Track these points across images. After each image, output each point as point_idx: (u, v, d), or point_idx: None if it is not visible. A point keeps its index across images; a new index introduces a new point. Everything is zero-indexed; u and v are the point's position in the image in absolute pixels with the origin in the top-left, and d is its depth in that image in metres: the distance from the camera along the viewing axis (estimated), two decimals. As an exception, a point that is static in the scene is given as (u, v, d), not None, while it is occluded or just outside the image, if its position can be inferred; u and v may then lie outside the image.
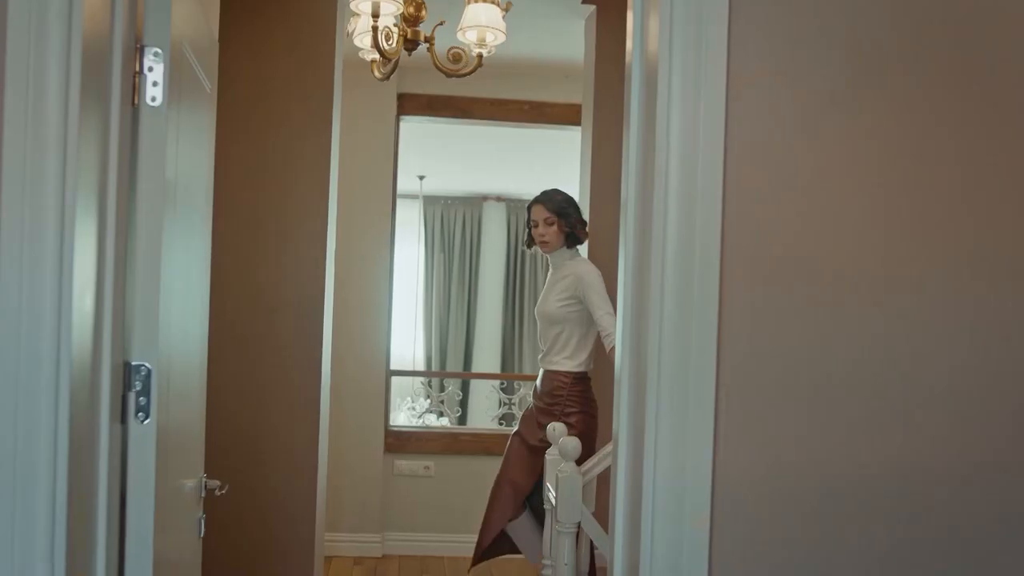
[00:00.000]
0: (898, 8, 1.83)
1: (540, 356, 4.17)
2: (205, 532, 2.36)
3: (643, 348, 1.80)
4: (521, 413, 4.40)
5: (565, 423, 3.81)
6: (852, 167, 1.82)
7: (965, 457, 1.84)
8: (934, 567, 1.83)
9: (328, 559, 5.15)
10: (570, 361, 3.98)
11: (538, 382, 4.17)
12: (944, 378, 1.84)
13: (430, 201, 9.63)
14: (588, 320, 3.97)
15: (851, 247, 1.82)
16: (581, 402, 4.00)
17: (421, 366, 9.72)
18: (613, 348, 3.46)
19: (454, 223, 9.88)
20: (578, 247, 4.15)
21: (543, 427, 3.90)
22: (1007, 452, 1.84)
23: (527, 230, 4.14)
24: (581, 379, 4.02)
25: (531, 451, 4.07)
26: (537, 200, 4.04)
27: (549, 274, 4.15)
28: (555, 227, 3.98)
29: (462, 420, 9.24)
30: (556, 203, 3.98)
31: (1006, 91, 1.85)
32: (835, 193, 1.82)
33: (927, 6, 1.83)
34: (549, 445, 3.74)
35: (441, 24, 3.35)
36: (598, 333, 3.95)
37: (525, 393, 7.81)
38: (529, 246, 4.19)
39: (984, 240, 1.85)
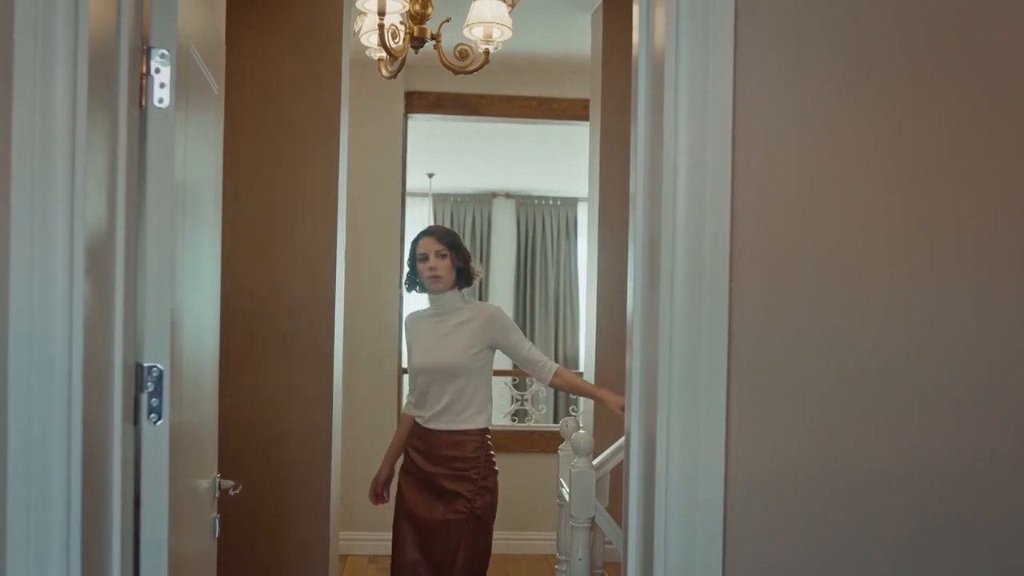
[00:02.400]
0: (903, 1, 1.82)
1: (428, 415, 3.42)
2: (220, 532, 2.36)
3: (654, 343, 1.80)
4: (399, 485, 3.53)
5: (483, 487, 3.39)
6: (859, 159, 1.81)
7: (976, 448, 1.83)
8: (946, 557, 1.82)
9: (343, 557, 5.16)
10: (480, 416, 3.40)
11: (431, 445, 3.42)
12: (954, 370, 1.83)
13: (440, 199, 9.63)
14: (490, 368, 3.52)
15: (860, 239, 1.81)
16: (492, 460, 3.45)
17: (433, 363, 9.72)
18: (557, 372, 3.43)
19: (464, 220, 9.89)
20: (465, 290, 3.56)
21: (455, 496, 3.36)
22: (1017, 443, 1.83)
23: (409, 268, 3.53)
24: (487, 433, 3.46)
25: (436, 527, 3.38)
26: (426, 232, 3.50)
27: (428, 320, 3.49)
28: (448, 261, 3.42)
29: (475, 417, 9.22)
30: (449, 235, 3.48)
31: (1007, 85, 1.83)
32: (843, 185, 1.81)
33: (934, -5, 1.82)
34: (465, 514, 3.36)
35: (447, 21, 3.35)
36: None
37: (537, 389, 7.81)
38: (410, 287, 3.56)
39: (990, 233, 1.83)
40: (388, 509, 3.62)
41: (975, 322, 1.83)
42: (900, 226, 1.82)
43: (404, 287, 3.60)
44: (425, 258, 3.41)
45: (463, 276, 3.46)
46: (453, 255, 3.41)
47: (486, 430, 3.42)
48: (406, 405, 3.57)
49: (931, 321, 1.82)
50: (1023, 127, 1.83)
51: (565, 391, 3.54)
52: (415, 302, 3.98)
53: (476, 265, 3.52)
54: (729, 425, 1.76)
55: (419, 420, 3.43)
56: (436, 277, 3.40)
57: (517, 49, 4.19)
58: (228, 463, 2.53)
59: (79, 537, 1.55)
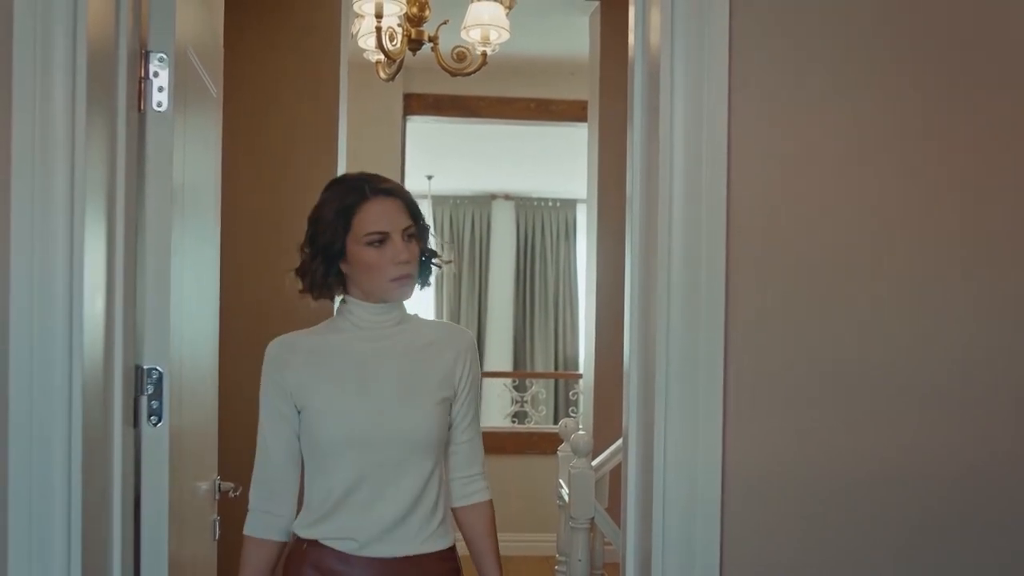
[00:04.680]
0: (897, 3, 1.82)
1: (370, 533, 1.82)
2: (220, 534, 2.37)
3: (651, 343, 1.80)
4: None
5: None
6: (855, 159, 1.82)
7: (974, 448, 1.83)
8: (945, 556, 1.83)
9: (343, 559, 5.15)
10: (445, 525, 1.90)
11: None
12: (953, 369, 1.83)
13: (439, 201, 9.64)
14: None
15: (857, 239, 1.82)
16: None
17: (433, 366, 9.70)
18: (490, 505, 1.96)
19: (463, 222, 9.89)
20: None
21: None
22: (1015, 443, 1.84)
23: (320, 256, 1.87)
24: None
25: None
26: (380, 190, 1.85)
27: (346, 347, 1.89)
28: (415, 246, 1.87)
29: (475, 419, 9.22)
30: (415, 203, 1.90)
31: (1003, 85, 1.84)
32: (839, 186, 1.82)
33: (929, -5, 1.83)
34: None
35: (445, 23, 3.36)
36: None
37: (537, 391, 7.81)
38: (321, 292, 1.93)
39: (988, 233, 1.84)
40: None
41: (974, 322, 1.83)
42: (897, 226, 1.83)
43: (304, 288, 1.93)
44: (383, 240, 1.80)
45: (424, 272, 1.95)
46: (420, 235, 1.89)
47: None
48: (268, 519, 1.86)
49: (930, 321, 1.83)
50: (1019, 127, 1.84)
51: (463, 532, 1.96)
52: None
53: (442, 250, 2.01)
54: (726, 425, 1.77)
55: (338, 546, 1.82)
56: (407, 277, 1.84)
57: (515, 51, 4.20)
58: (228, 465, 2.53)
59: (80, 539, 1.55)
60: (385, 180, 1.89)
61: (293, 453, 1.87)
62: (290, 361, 1.86)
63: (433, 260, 1.95)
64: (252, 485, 1.89)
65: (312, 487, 1.86)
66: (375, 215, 1.82)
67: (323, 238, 1.84)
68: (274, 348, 1.90)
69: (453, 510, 1.95)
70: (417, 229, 1.88)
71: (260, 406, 1.87)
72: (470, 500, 1.95)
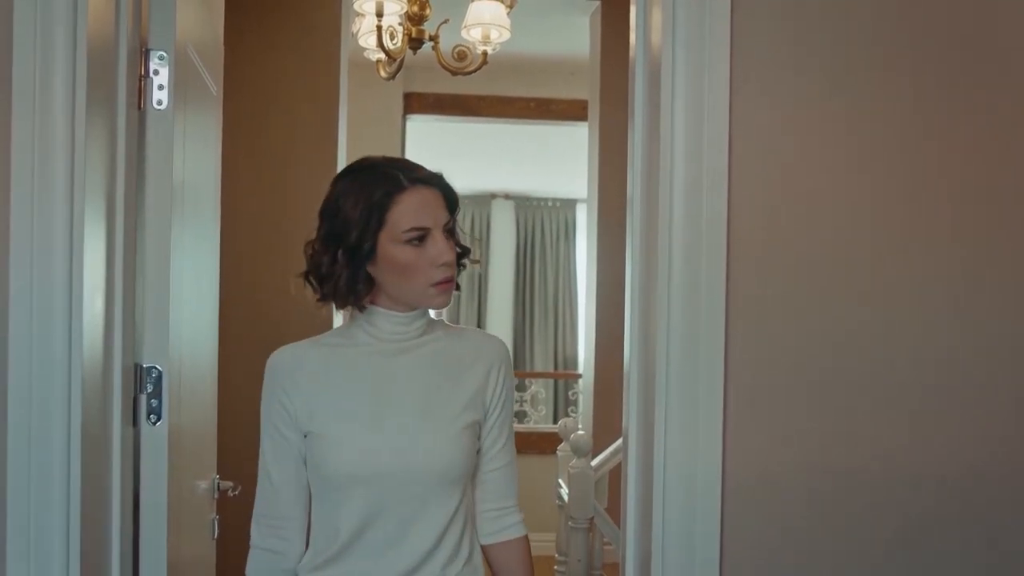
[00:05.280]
0: (896, 3, 1.82)
1: None
2: (219, 533, 2.37)
3: (651, 343, 1.80)
4: None
5: None
6: (856, 159, 1.82)
7: (973, 448, 1.83)
8: (944, 556, 1.83)
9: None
10: (472, 565, 1.66)
11: None
12: (954, 370, 1.83)
13: (438, 200, 9.62)
14: None
15: (858, 239, 1.82)
16: None
17: (432, 365, 9.70)
18: (527, 539, 1.74)
19: (463, 221, 9.87)
20: None
21: None
22: (1012, 442, 1.84)
23: (349, 255, 1.58)
24: None
25: None
26: (418, 179, 1.59)
27: (357, 361, 1.63)
28: (452, 244, 1.63)
29: (474, 418, 9.21)
30: (455, 194, 1.65)
31: (1002, 86, 1.84)
32: (840, 185, 1.81)
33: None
34: None
35: (445, 22, 3.35)
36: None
37: (536, 390, 7.80)
38: (347, 298, 1.62)
39: (987, 233, 1.84)
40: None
41: (974, 321, 1.83)
42: (897, 225, 1.83)
43: (323, 297, 1.65)
44: (423, 237, 1.56)
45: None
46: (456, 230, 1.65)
47: None
48: (273, 559, 1.63)
49: (930, 320, 1.83)
50: (1018, 126, 1.84)
51: (494, 573, 1.73)
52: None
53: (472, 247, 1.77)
54: (727, 425, 1.77)
55: None
56: (450, 282, 1.60)
57: (515, 50, 4.19)
58: (227, 464, 2.53)
59: (79, 538, 1.55)
60: (419, 166, 1.62)
61: (301, 482, 1.60)
62: (295, 377, 1.60)
63: (464, 260, 1.66)
64: (254, 519, 1.63)
65: (318, 524, 1.61)
66: (415, 208, 1.55)
67: (349, 236, 1.55)
68: (276, 362, 1.63)
69: (483, 547, 1.69)
70: (453, 222, 1.63)
71: (261, 427, 1.62)
72: (503, 536, 1.69)
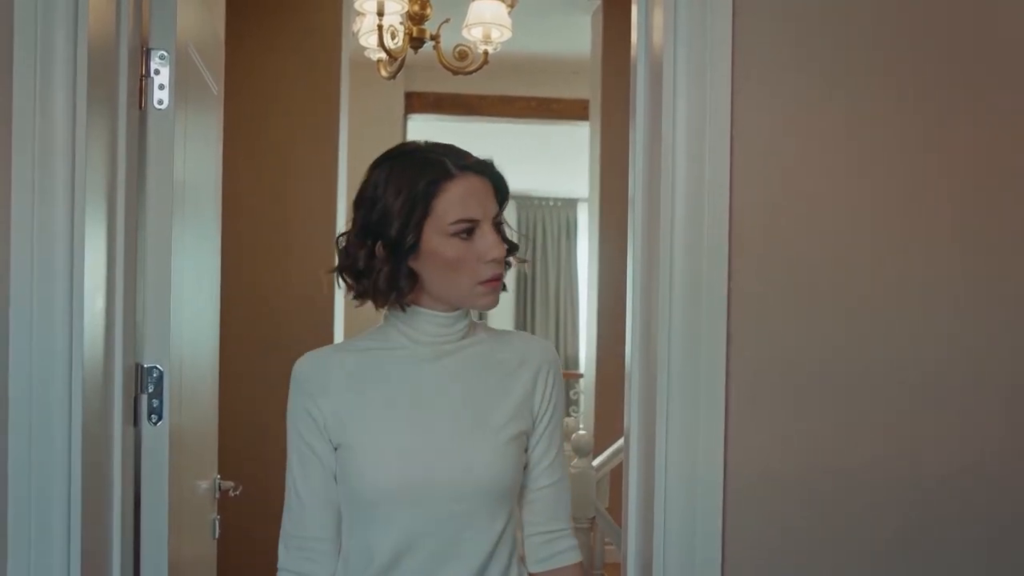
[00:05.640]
0: (898, 4, 1.82)
1: None
2: (220, 533, 2.36)
3: (653, 343, 1.80)
4: None
5: None
6: (858, 158, 1.82)
7: (973, 448, 1.83)
8: (941, 554, 1.83)
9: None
10: None
11: None
12: (954, 370, 1.83)
13: (439, 199, 9.63)
14: None
15: (859, 240, 1.82)
16: None
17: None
18: (570, 570, 1.54)
19: (464, 221, 9.88)
20: None
21: None
22: (1012, 441, 1.84)
23: (390, 252, 1.43)
24: None
25: None
26: (474, 166, 1.45)
27: (392, 367, 1.49)
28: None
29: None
30: (505, 184, 1.52)
31: (1002, 87, 1.84)
32: (841, 186, 1.81)
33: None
34: None
35: (446, 22, 3.35)
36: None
37: (538, 390, 7.78)
38: (386, 294, 1.45)
39: (987, 234, 1.84)
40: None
41: (973, 321, 1.83)
42: (898, 226, 1.82)
43: (358, 294, 1.50)
44: (471, 230, 1.43)
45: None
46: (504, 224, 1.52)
47: None
48: None
49: (931, 321, 1.82)
50: (1018, 128, 1.84)
51: None
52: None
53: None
54: (728, 425, 1.76)
55: None
56: (499, 280, 1.47)
57: (516, 50, 4.19)
58: (228, 464, 2.53)
59: (79, 537, 1.55)
60: (466, 153, 1.47)
61: (332, 499, 1.47)
62: (325, 384, 1.46)
63: (511, 258, 1.49)
64: (281, 539, 1.50)
65: (350, 547, 1.46)
66: (463, 198, 1.41)
67: (390, 228, 1.40)
68: (304, 367, 1.49)
69: (541, 571, 1.53)
70: (501, 217, 1.48)
71: (287, 440, 1.50)
72: (555, 563, 1.52)
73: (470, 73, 3.40)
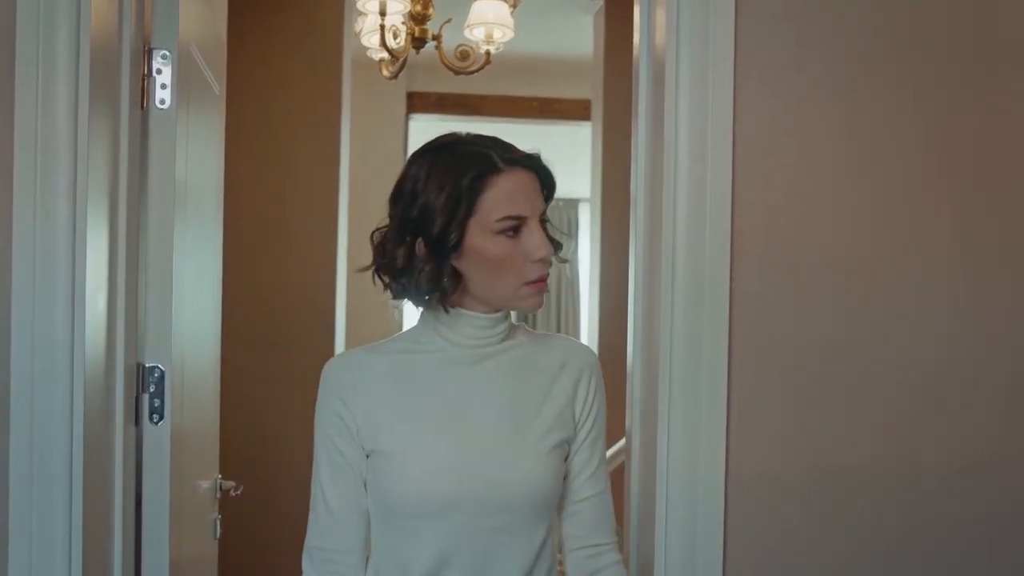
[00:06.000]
0: (900, 4, 1.82)
1: None
2: (221, 533, 2.36)
3: (654, 344, 1.80)
4: None
5: None
6: (859, 158, 1.81)
7: (973, 449, 1.83)
8: (941, 554, 1.82)
9: (344, 558, 5.15)
10: None
11: None
12: (955, 370, 1.83)
13: (441, 199, 9.64)
14: None
15: (860, 238, 1.81)
16: None
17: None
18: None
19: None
20: None
21: None
22: (1011, 441, 1.84)
23: (431, 249, 1.36)
24: None
25: None
26: (522, 160, 1.39)
27: (433, 372, 1.42)
28: None
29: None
30: (553, 179, 1.46)
31: (1004, 88, 1.84)
32: (844, 186, 1.81)
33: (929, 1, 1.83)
34: None
35: (448, 22, 3.35)
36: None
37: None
38: (427, 295, 1.38)
39: (987, 235, 1.84)
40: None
41: (974, 321, 1.83)
42: (899, 226, 1.82)
43: (396, 294, 1.42)
44: (518, 227, 1.36)
45: None
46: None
47: None
48: None
49: (933, 321, 1.82)
50: (1018, 129, 1.84)
51: None
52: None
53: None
54: (730, 425, 1.76)
55: None
56: (544, 281, 1.40)
57: (518, 50, 4.19)
58: (229, 464, 2.53)
59: (81, 537, 1.55)
60: (512, 145, 1.39)
61: (361, 508, 1.39)
62: (357, 387, 1.39)
63: (554, 257, 1.40)
64: (305, 550, 1.42)
65: (382, 560, 1.39)
66: (511, 193, 1.33)
67: (432, 225, 1.33)
68: (335, 369, 1.43)
69: None
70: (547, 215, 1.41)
71: (315, 445, 1.42)
72: (609, 564, 1.47)
73: (472, 73, 3.40)
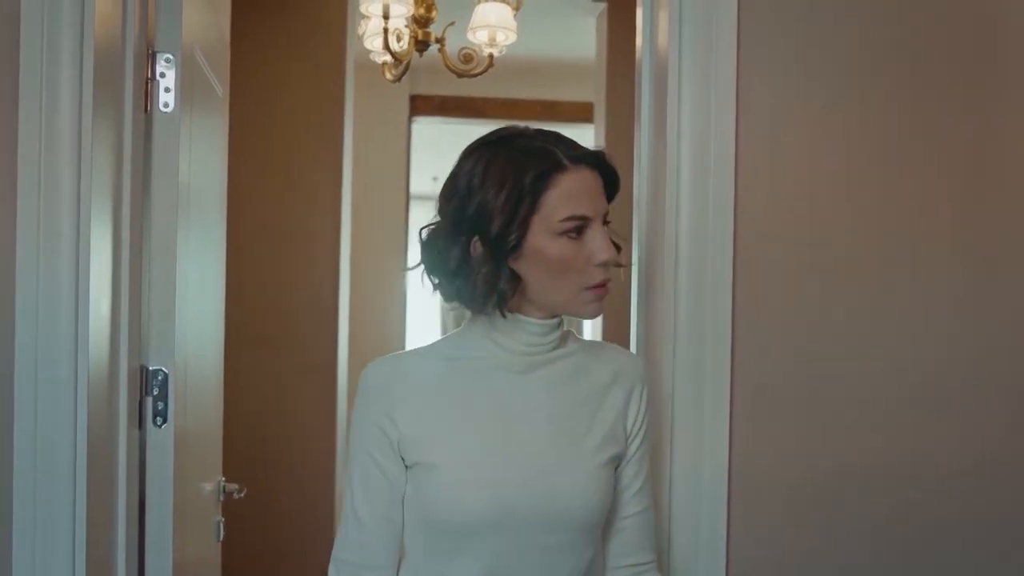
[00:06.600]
0: (904, 3, 1.82)
1: None
2: (224, 535, 2.36)
3: (657, 345, 1.80)
4: None
5: None
6: (865, 159, 1.81)
7: (974, 450, 1.83)
8: (942, 554, 1.82)
9: (347, 561, 5.15)
10: None
11: None
12: (957, 372, 1.83)
13: (444, 202, 9.62)
14: None
15: (864, 238, 1.81)
16: None
17: (437, 367, 9.69)
18: None
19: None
20: None
21: None
22: (1014, 442, 1.83)
23: (491, 247, 1.29)
24: None
25: None
26: (588, 158, 1.32)
27: (488, 379, 1.34)
28: None
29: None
30: (617, 177, 1.37)
31: (1006, 90, 1.84)
32: (846, 190, 1.81)
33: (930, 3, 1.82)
34: None
35: (451, 25, 3.35)
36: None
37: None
38: (486, 301, 1.31)
39: (989, 237, 1.84)
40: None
41: (974, 323, 1.83)
42: (902, 226, 1.82)
43: (447, 296, 1.36)
44: (581, 228, 1.30)
45: None
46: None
47: None
48: None
49: (935, 324, 1.82)
50: (1018, 133, 1.84)
51: None
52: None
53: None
54: (732, 428, 1.76)
55: None
56: (606, 286, 1.33)
57: (521, 52, 4.19)
58: (233, 466, 2.53)
59: (84, 540, 1.55)
60: (574, 142, 1.32)
61: (396, 523, 1.33)
62: (402, 396, 1.31)
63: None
64: (333, 563, 1.35)
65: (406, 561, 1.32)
66: (575, 192, 1.26)
67: (490, 224, 1.25)
68: (377, 376, 1.33)
69: None
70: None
71: (351, 455, 1.34)
72: None
73: (475, 76, 3.40)
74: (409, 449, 1.30)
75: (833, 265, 1.81)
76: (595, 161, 1.30)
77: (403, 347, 5.48)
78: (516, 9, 3.33)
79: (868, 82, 1.81)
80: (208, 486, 2.25)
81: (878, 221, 1.81)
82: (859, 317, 1.81)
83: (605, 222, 1.31)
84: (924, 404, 1.82)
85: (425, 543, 1.31)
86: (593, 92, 5.02)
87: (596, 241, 1.27)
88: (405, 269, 1.35)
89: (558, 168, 1.26)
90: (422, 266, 1.34)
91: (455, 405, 1.31)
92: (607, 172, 1.32)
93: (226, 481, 2.38)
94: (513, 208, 1.24)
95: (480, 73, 3.39)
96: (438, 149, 7.30)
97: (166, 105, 1.84)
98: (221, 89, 2.36)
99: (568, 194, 1.26)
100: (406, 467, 1.31)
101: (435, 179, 8.88)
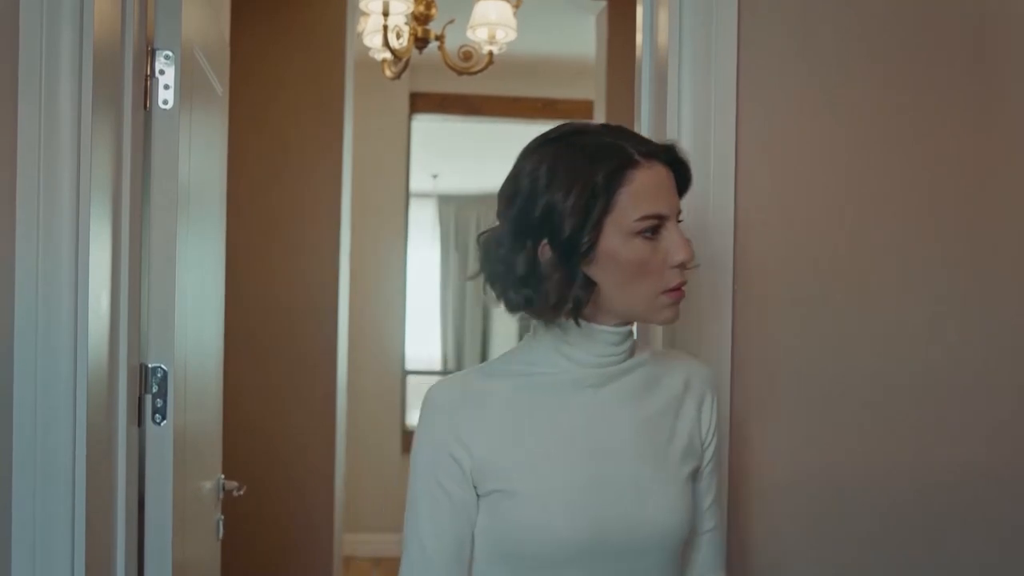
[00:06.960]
0: (904, 2, 1.82)
1: None
2: (224, 533, 2.36)
3: (657, 344, 1.79)
4: None
5: None
6: (866, 157, 1.81)
7: (975, 451, 1.83)
8: (943, 554, 1.82)
9: (347, 560, 5.16)
10: None
11: None
12: (958, 371, 1.83)
13: (444, 200, 9.62)
14: None
15: (865, 237, 1.81)
16: None
17: (438, 366, 9.73)
18: None
19: (469, 222, 9.87)
20: None
21: None
22: (1011, 443, 1.83)
23: (562, 250, 1.20)
24: None
25: None
26: (661, 153, 1.23)
27: (558, 397, 1.25)
28: None
29: (479, 418, 9.19)
30: (689, 170, 1.29)
31: (1008, 90, 1.83)
32: (848, 187, 1.81)
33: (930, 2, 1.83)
34: None
35: (451, 22, 3.35)
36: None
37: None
38: (551, 312, 1.22)
39: (993, 233, 1.83)
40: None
41: (977, 323, 1.83)
42: (904, 224, 1.82)
43: (513, 306, 1.24)
44: (656, 228, 1.21)
45: None
46: None
47: None
48: None
49: (937, 324, 1.82)
50: (1019, 131, 1.84)
51: None
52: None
53: None
54: (733, 429, 1.76)
55: None
56: (682, 289, 1.25)
57: (521, 50, 4.19)
58: (232, 464, 2.53)
59: (83, 537, 1.55)
60: (643, 136, 1.24)
61: (464, 556, 1.22)
62: (478, 420, 1.21)
63: None
64: None
65: None
66: (651, 190, 1.18)
67: (561, 227, 1.16)
68: (442, 396, 1.23)
69: None
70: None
71: (413, 481, 1.25)
72: None
73: (475, 73, 3.40)
74: (484, 476, 1.20)
75: (833, 264, 1.80)
76: (667, 155, 1.22)
77: (403, 344, 5.48)
78: (516, 7, 3.33)
79: (871, 79, 1.81)
80: (208, 484, 2.25)
81: (879, 220, 1.81)
82: (859, 317, 1.81)
83: (678, 220, 1.23)
84: (925, 404, 1.82)
85: (504, 574, 1.21)
86: (593, 90, 5.02)
87: (672, 240, 1.19)
88: (466, 278, 1.26)
89: (630, 164, 1.18)
90: (482, 275, 1.25)
91: (531, 426, 1.21)
92: (679, 167, 1.24)
93: (226, 479, 2.38)
94: (585, 209, 1.16)
95: (480, 71, 3.39)
96: (438, 146, 7.31)
97: (165, 102, 1.84)
98: (221, 87, 2.36)
99: (642, 192, 1.17)
100: (478, 495, 1.22)
101: (435, 176, 8.89)
